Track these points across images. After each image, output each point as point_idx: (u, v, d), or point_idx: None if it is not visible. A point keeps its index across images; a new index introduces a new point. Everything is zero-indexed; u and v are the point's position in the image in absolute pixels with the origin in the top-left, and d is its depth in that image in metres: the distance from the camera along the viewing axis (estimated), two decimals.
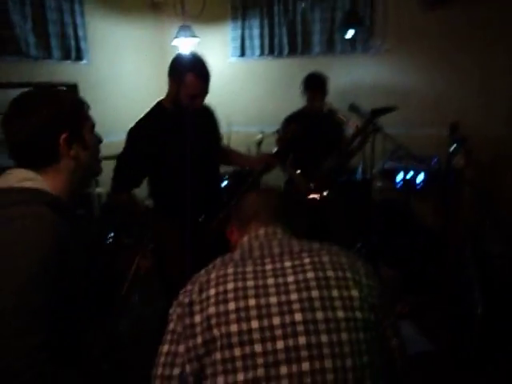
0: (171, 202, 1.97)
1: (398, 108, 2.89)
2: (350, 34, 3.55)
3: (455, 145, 2.87)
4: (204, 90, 1.91)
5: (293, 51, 4.18)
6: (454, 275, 3.03)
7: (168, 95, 1.96)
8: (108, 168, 3.78)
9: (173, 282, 1.83)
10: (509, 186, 3.64)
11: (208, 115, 2.15)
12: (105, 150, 4.09)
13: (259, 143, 3.85)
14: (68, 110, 1.07)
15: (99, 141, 1.19)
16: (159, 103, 2.00)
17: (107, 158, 3.56)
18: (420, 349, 2.51)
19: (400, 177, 3.60)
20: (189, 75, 1.84)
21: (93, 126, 1.15)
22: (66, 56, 3.63)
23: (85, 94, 3.87)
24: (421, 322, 2.78)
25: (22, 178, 1.00)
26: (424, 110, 3.88)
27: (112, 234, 3.54)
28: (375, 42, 3.90)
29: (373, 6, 3.80)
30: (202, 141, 1.97)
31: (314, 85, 3.08)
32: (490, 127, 3.68)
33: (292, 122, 3.17)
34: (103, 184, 3.69)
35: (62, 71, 3.66)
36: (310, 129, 3.06)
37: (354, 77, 4.06)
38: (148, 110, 2.02)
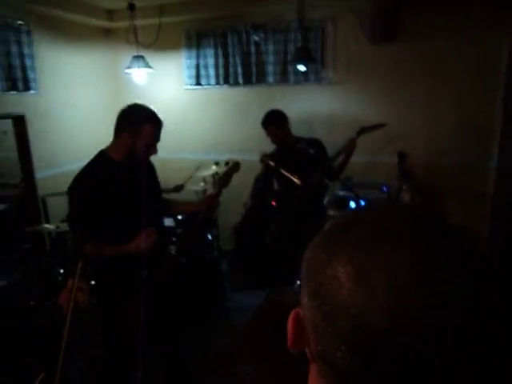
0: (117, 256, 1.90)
1: (386, 125, 3.02)
2: (302, 68, 3.65)
3: (401, 181, 3.00)
4: (159, 138, 1.97)
5: (248, 81, 4.24)
6: None
7: (119, 147, 1.93)
8: (58, 201, 3.71)
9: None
10: (454, 213, 3.84)
11: (149, 166, 2.15)
12: (55, 182, 4.03)
13: (214, 174, 3.86)
14: None
15: None
16: (103, 153, 1.95)
17: (59, 193, 3.51)
18: None
19: (352, 205, 3.71)
20: (146, 126, 1.90)
21: None
22: (13, 86, 3.51)
23: (33, 124, 3.78)
24: None
25: None
26: (375, 138, 4.03)
27: (62, 271, 3.42)
28: (326, 73, 4.04)
29: (323, 40, 3.94)
30: (148, 193, 1.97)
31: (266, 122, 3.15)
32: (434, 156, 3.88)
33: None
34: (53, 220, 3.58)
35: (8, 102, 3.54)
36: (292, 165, 2.96)
37: (309, 106, 4.17)
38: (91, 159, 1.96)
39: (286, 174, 2.23)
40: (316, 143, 3.18)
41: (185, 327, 2.65)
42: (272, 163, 2.25)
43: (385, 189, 3.74)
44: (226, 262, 4.23)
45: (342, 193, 3.73)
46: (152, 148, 1.96)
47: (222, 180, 2.23)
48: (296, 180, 2.22)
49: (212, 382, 2.68)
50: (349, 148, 3.02)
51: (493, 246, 3.60)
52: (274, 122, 3.15)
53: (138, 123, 1.87)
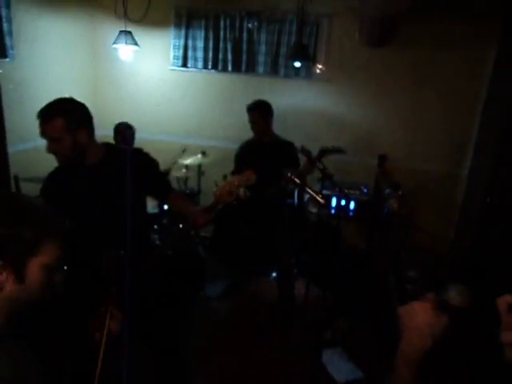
0: None
1: (345, 152, 3.09)
2: (297, 64, 3.64)
3: (389, 189, 3.13)
4: (46, 131, 1.77)
5: (237, 68, 4.16)
6: (378, 302, 3.33)
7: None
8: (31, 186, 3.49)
9: None
10: (424, 216, 4.07)
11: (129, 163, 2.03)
12: (27, 157, 3.77)
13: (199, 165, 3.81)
14: (19, 233, 0.89)
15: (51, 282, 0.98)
16: None
17: (33, 179, 3.28)
18: (351, 376, 2.73)
19: (333, 203, 3.81)
20: None
21: (51, 264, 0.96)
22: None
23: (7, 94, 3.49)
24: (349, 347, 3.02)
25: None
26: (357, 139, 4.14)
27: None
28: (317, 70, 4.04)
29: (317, 36, 3.93)
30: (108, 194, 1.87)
31: (252, 106, 3.27)
32: (412, 161, 4.06)
33: (244, 157, 3.36)
34: None
35: None
36: (261, 159, 3.21)
37: (296, 101, 4.17)
38: None
39: (310, 192, 2.25)
40: (290, 147, 3.31)
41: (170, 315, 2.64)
42: (297, 180, 2.25)
43: (365, 190, 3.88)
44: (203, 248, 4.23)
45: (324, 191, 3.80)
46: (50, 144, 1.85)
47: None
48: (320, 199, 2.24)
49: (198, 373, 2.72)
50: (308, 172, 3.11)
51: (459, 248, 3.88)
52: (260, 108, 3.28)
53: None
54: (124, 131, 3.50)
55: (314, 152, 3.21)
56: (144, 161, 2.04)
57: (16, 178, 3.44)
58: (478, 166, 3.78)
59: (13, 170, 3.54)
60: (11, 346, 0.88)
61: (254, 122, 3.26)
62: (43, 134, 1.76)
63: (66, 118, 1.75)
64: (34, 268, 0.93)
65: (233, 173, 3.56)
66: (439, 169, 4.01)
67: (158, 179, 2.15)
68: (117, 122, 3.65)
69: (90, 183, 1.86)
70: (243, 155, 3.40)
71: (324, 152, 3.02)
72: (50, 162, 3.59)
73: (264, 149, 3.30)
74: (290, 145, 3.34)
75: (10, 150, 3.60)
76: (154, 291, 2.08)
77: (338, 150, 3.06)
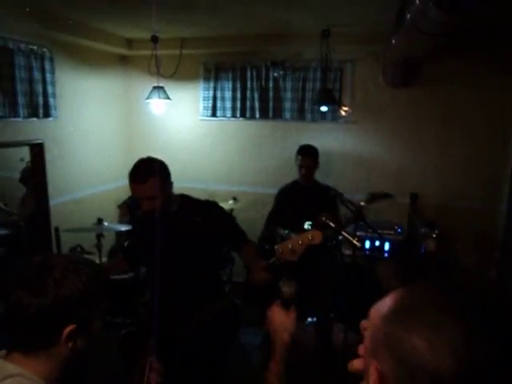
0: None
1: (394, 196, 3.07)
2: (324, 108, 3.74)
3: (425, 229, 3.08)
4: (143, 192, 1.86)
5: (264, 115, 4.29)
6: None
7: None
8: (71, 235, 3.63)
9: None
10: (462, 255, 3.93)
11: (204, 215, 2.06)
12: (67, 209, 3.93)
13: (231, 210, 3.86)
14: (86, 298, 0.95)
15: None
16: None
17: (73, 230, 3.42)
18: None
19: (367, 244, 3.76)
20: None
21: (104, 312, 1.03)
22: (34, 113, 3.46)
23: (50, 151, 3.72)
24: None
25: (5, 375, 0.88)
26: (386, 178, 4.12)
27: None
28: (343, 112, 4.12)
29: (342, 80, 4.04)
30: (178, 245, 1.95)
31: (307, 151, 3.29)
32: (444, 199, 3.98)
33: (285, 200, 3.37)
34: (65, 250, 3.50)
35: (28, 129, 3.48)
36: (303, 203, 3.20)
37: (323, 144, 4.20)
38: None
39: (346, 235, 2.24)
40: (329, 192, 3.25)
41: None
42: (333, 224, 2.24)
43: (399, 229, 3.81)
44: (238, 294, 4.19)
45: (358, 232, 3.76)
46: (144, 201, 1.92)
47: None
48: (356, 243, 2.22)
49: None
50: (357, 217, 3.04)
51: (504, 287, 3.70)
52: (314, 154, 3.30)
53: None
54: None
55: (344, 193, 3.20)
56: (219, 214, 2.13)
57: (57, 230, 3.59)
58: None
59: (54, 222, 3.71)
60: None
61: (305, 167, 3.26)
62: (138, 194, 1.87)
63: (159, 176, 1.86)
64: (98, 321, 1.00)
65: (270, 216, 3.52)
66: (473, 205, 3.90)
67: (231, 232, 2.20)
68: None
69: (168, 230, 1.84)
70: (284, 198, 3.40)
71: (373, 198, 3.00)
72: (89, 214, 3.74)
73: (307, 193, 3.30)
74: (329, 189, 3.29)
75: (52, 202, 3.79)
76: (191, 338, 2.08)
77: (387, 196, 3.04)
